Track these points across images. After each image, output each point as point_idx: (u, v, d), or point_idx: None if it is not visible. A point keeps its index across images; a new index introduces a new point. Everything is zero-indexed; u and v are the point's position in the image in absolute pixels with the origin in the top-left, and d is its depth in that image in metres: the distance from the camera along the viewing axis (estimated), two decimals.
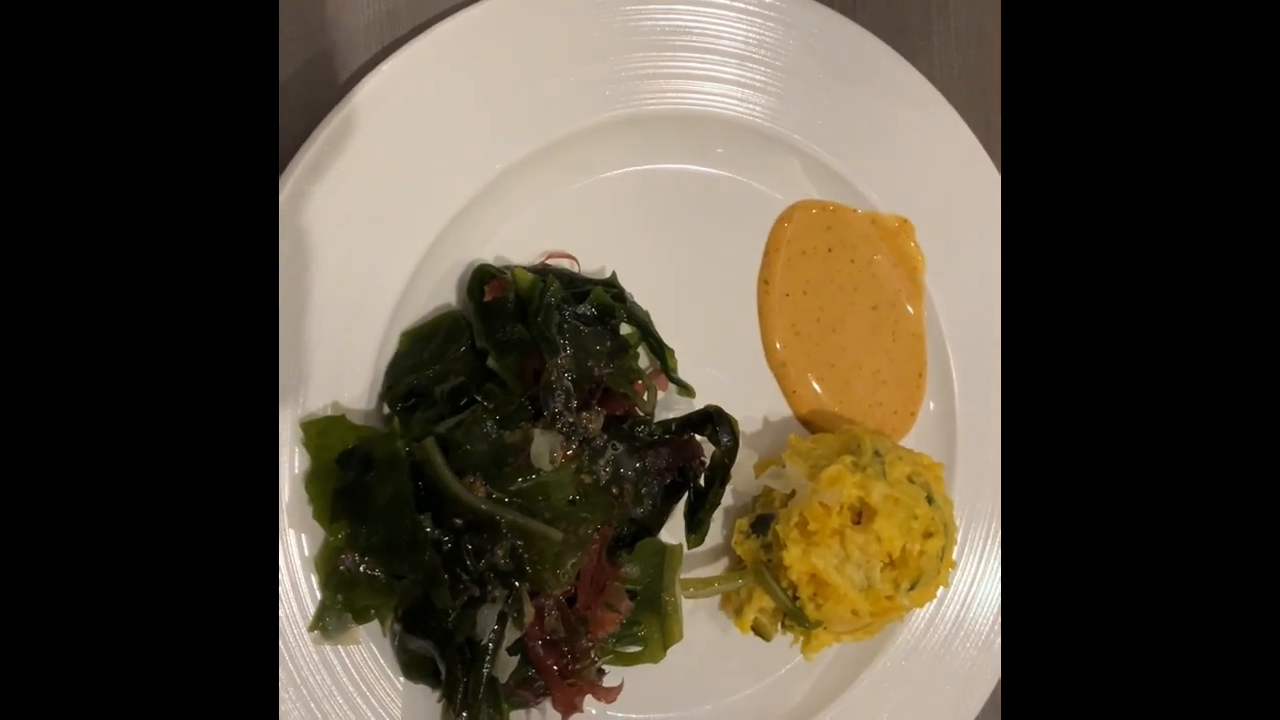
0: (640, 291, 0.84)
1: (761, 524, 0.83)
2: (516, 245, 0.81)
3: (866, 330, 0.91)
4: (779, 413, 0.90)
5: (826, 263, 0.90)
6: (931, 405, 0.93)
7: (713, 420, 0.79)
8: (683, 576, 0.79)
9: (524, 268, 0.79)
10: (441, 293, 0.79)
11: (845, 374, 0.90)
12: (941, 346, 0.92)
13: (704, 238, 0.87)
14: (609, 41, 0.81)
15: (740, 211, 0.88)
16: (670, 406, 0.85)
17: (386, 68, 0.74)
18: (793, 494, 0.81)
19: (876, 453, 0.81)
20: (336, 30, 0.78)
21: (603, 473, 0.75)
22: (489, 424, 0.71)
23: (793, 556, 0.79)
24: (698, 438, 0.80)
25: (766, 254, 0.89)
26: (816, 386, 0.90)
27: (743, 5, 0.84)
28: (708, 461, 0.81)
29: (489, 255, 0.80)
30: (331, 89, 0.79)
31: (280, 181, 0.72)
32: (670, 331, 0.85)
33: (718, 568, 0.88)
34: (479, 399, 0.73)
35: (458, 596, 0.70)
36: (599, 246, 0.84)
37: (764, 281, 0.89)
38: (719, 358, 0.87)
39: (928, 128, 0.90)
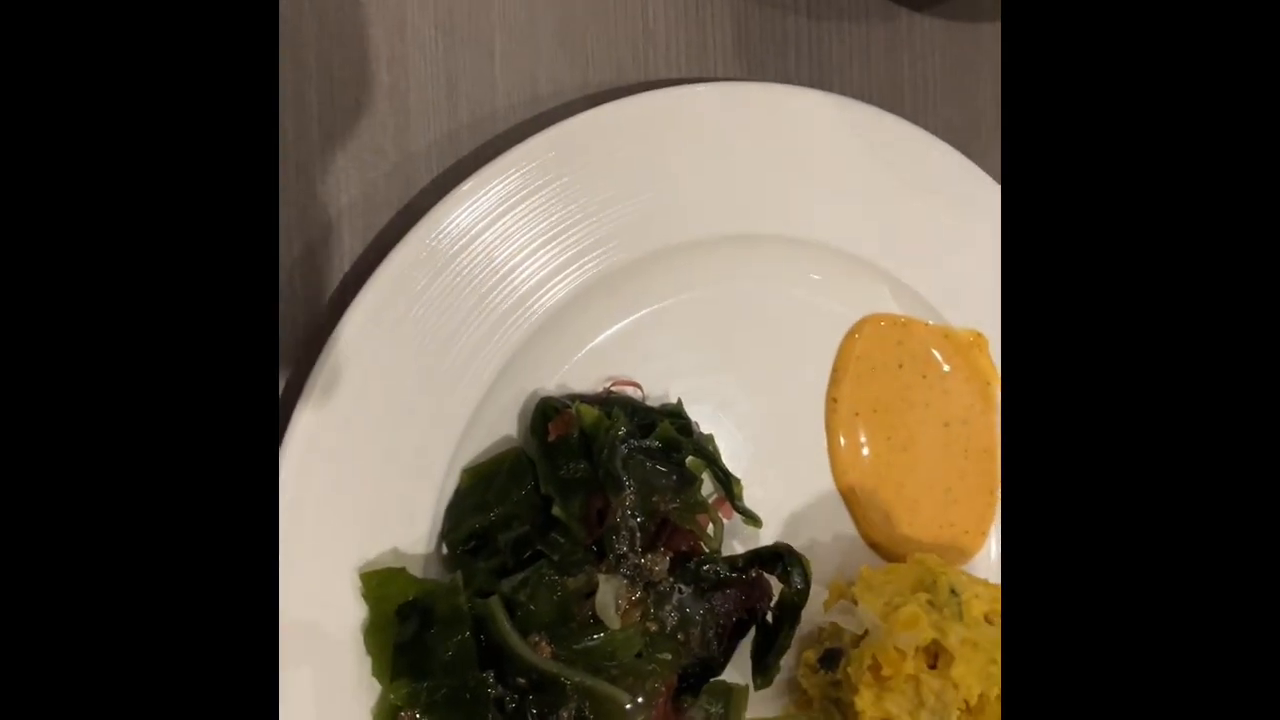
0: (704, 415, 0.81)
1: (830, 659, 0.80)
2: (580, 374, 0.79)
3: (938, 448, 0.88)
4: (846, 533, 0.87)
5: (897, 379, 0.87)
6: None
7: (784, 560, 0.76)
8: (748, 718, 0.76)
9: (587, 399, 0.77)
10: (503, 424, 0.77)
11: (916, 494, 0.87)
12: None
13: (770, 356, 0.85)
14: (679, 164, 0.78)
15: (807, 327, 0.86)
16: (734, 533, 0.82)
17: (448, 200, 0.72)
18: (865, 634, 0.78)
19: (953, 590, 0.78)
20: (397, 153, 0.76)
21: (669, 619, 0.72)
22: (554, 580, 0.68)
23: (865, 701, 0.76)
24: (766, 576, 0.77)
25: (835, 371, 0.86)
26: (886, 508, 0.87)
27: (807, 119, 0.81)
28: (775, 598, 0.78)
29: (552, 384, 0.78)
30: (391, 211, 0.76)
31: (343, 320, 0.69)
32: (735, 453, 0.82)
33: (780, 699, 0.84)
34: (544, 551, 0.70)
35: None
36: (663, 371, 0.81)
37: (832, 399, 0.86)
38: (785, 480, 0.85)
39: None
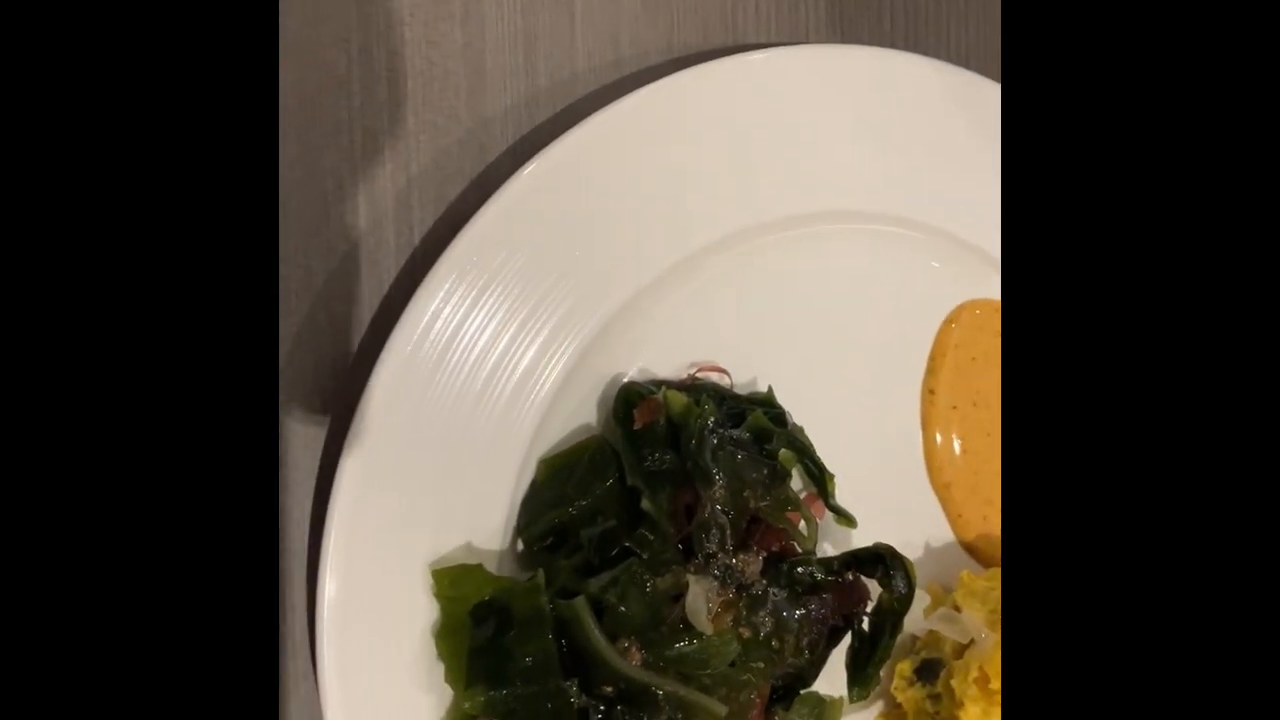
0: (794, 404, 0.75)
1: (928, 670, 0.74)
2: (662, 359, 0.73)
3: None
4: (942, 535, 0.81)
5: (997, 369, 0.81)
6: None
7: (885, 562, 0.70)
8: None
9: (674, 385, 0.71)
10: (582, 413, 0.71)
11: None
12: None
13: (864, 344, 0.79)
14: (768, 135, 0.73)
15: (905, 312, 0.80)
16: (824, 533, 0.76)
17: (527, 172, 0.66)
18: (970, 643, 0.72)
19: None
20: (471, 118, 0.70)
21: (763, 625, 0.67)
22: (645, 580, 0.63)
23: (972, 716, 0.70)
24: (864, 579, 0.71)
25: (932, 360, 0.80)
26: (984, 509, 0.80)
27: (905, 87, 0.75)
28: (873, 603, 0.72)
29: (633, 369, 0.72)
30: (464, 180, 0.71)
31: (413, 298, 0.64)
32: (825, 446, 0.76)
33: (868, 712, 0.78)
34: (633, 549, 0.64)
35: None
36: (750, 357, 0.75)
37: (929, 391, 0.80)
38: (878, 476, 0.79)
39: None
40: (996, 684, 0.69)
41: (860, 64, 0.75)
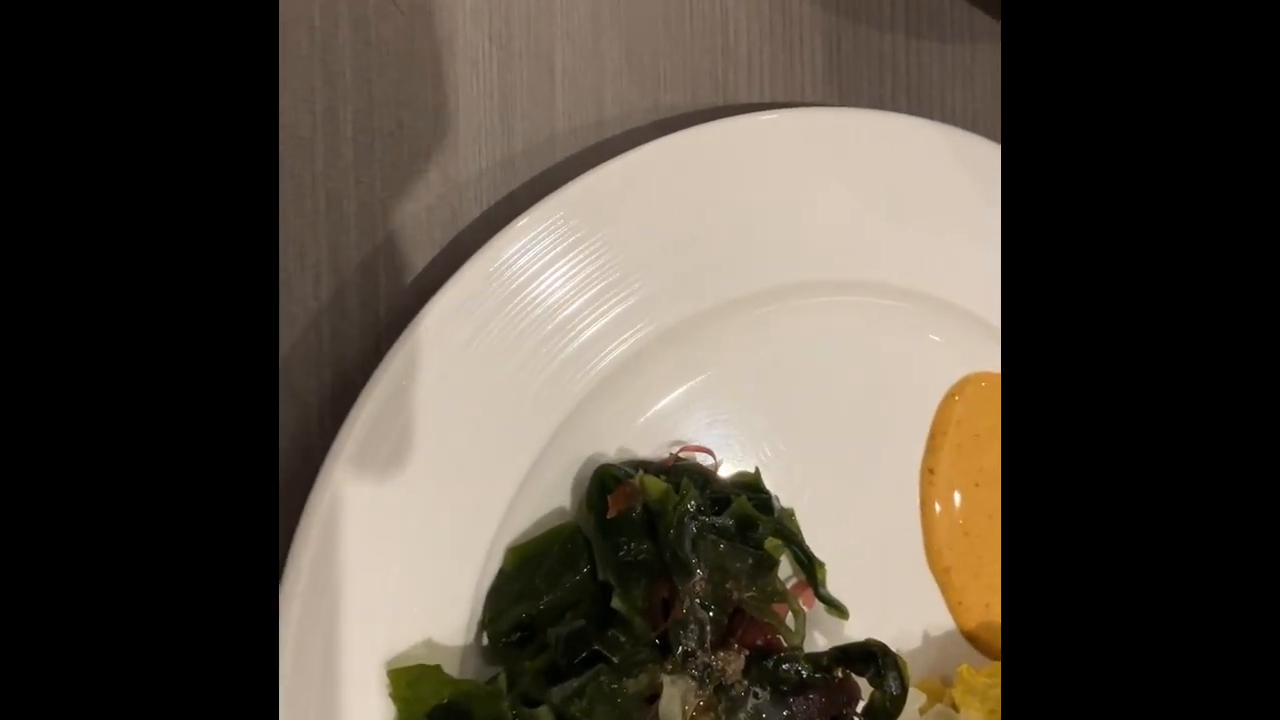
0: (783, 483, 0.71)
1: None
2: (643, 438, 0.69)
3: None
4: (941, 623, 0.76)
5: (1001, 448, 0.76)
6: None
7: (877, 661, 0.66)
8: None
9: (652, 468, 0.67)
10: (555, 496, 0.67)
11: None
12: None
13: (859, 420, 0.74)
14: (759, 201, 0.69)
15: (902, 388, 0.75)
16: (814, 623, 0.72)
17: (498, 240, 0.62)
18: None
19: None
20: (443, 182, 0.66)
21: None
22: (613, 688, 0.58)
23: None
24: (854, 677, 0.66)
25: (932, 438, 0.76)
26: (987, 597, 0.76)
27: (906, 151, 0.71)
28: (864, 702, 0.67)
29: (611, 451, 0.68)
30: (434, 248, 0.67)
31: (374, 377, 0.60)
32: (816, 531, 0.71)
33: None
34: (601, 652, 0.60)
35: None
36: (737, 436, 0.71)
37: (928, 470, 0.76)
38: (873, 561, 0.74)
39: None
40: None
41: (859, 127, 0.71)
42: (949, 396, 0.76)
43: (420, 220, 0.66)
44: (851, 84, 0.76)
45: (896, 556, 0.75)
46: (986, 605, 0.76)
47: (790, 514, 0.71)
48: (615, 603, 0.61)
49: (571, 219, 0.64)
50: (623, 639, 0.61)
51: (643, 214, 0.66)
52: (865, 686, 0.67)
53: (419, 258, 0.66)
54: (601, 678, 0.59)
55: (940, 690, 0.72)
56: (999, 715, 0.67)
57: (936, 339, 0.75)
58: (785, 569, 0.71)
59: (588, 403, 0.66)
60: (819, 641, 0.72)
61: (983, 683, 0.70)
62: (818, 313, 0.72)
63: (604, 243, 0.65)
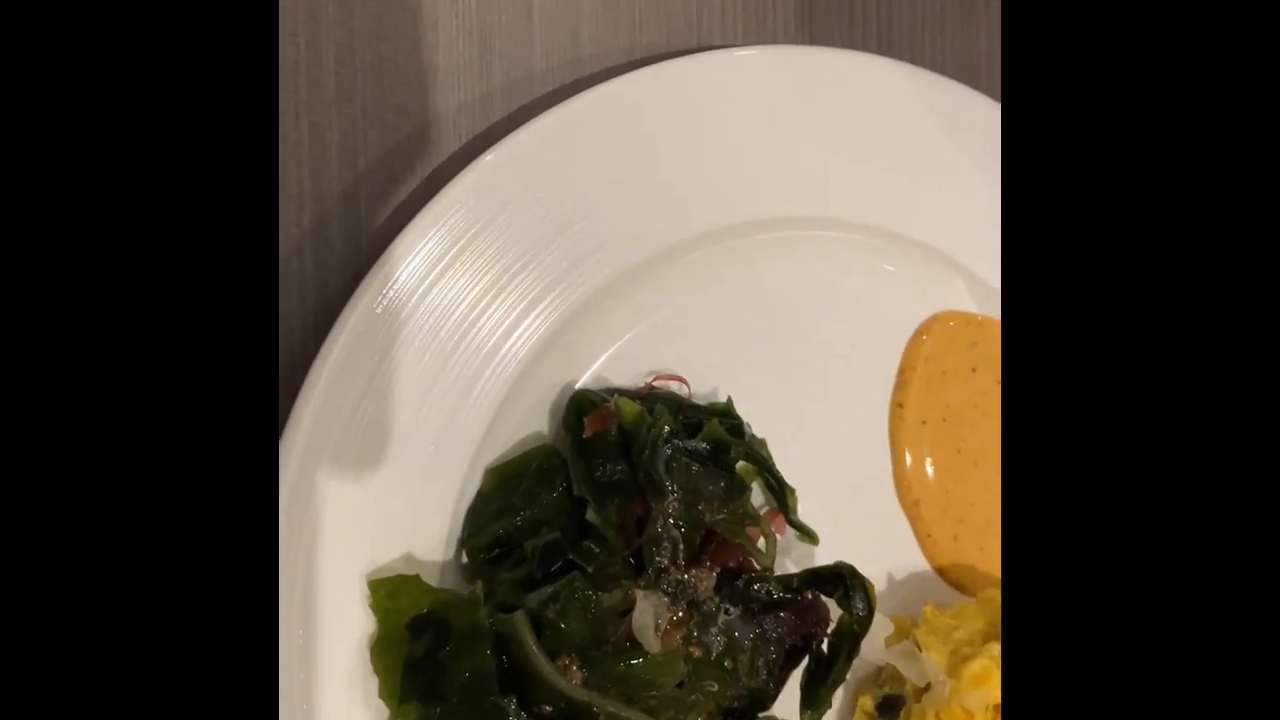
0: (756, 416, 0.73)
1: (889, 707, 0.71)
2: (619, 366, 0.70)
3: None
4: (909, 559, 0.78)
5: (969, 384, 0.79)
6: None
7: (845, 582, 0.67)
8: None
9: (627, 394, 0.68)
10: (533, 420, 0.68)
11: (988, 514, 0.78)
12: None
13: (831, 355, 0.76)
14: (731, 136, 0.70)
15: (873, 324, 0.77)
16: (786, 550, 0.74)
17: (475, 169, 0.64)
18: (928, 686, 0.69)
19: None
20: (422, 116, 0.68)
21: (715, 644, 0.64)
22: (588, 595, 0.60)
23: None
24: (824, 599, 0.68)
25: (902, 373, 0.78)
26: (955, 529, 0.78)
27: (874, 91, 0.73)
28: (833, 625, 0.69)
29: (587, 377, 0.70)
30: (414, 179, 0.69)
31: (354, 298, 0.62)
32: (789, 461, 0.73)
33: None
34: (576, 562, 0.61)
35: None
36: (711, 366, 0.73)
37: (898, 405, 0.78)
38: (843, 493, 0.76)
39: None
40: None
41: (828, 66, 0.73)
42: (918, 334, 0.78)
43: (400, 152, 0.68)
44: (823, 30, 0.78)
45: (867, 490, 0.77)
46: (954, 538, 0.78)
47: (763, 443, 0.73)
48: (590, 515, 0.63)
49: (548, 148, 0.66)
50: (597, 550, 0.63)
51: (619, 145, 0.67)
52: (836, 611, 0.69)
53: (399, 188, 0.68)
54: (576, 584, 0.60)
55: (908, 627, 0.74)
56: (959, 658, 0.69)
57: (907, 276, 0.77)
58: (759, 498, 0.73)
59: (564, 330, 0.67)
60: (790, 569, 0.73)
61: (946, 624, 0.72)
62: (790, 248, 0.74)
63: (577, 172, 0.66)
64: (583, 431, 0.66)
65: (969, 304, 0.78)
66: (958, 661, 0.67)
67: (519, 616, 0.59)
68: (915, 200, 0.76)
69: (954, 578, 0.78)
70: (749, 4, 0.76)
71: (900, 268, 0.76)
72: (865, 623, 0.68)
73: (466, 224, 0.64)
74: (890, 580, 0.77)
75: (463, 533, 0.65)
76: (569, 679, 0.59)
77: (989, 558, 0.78)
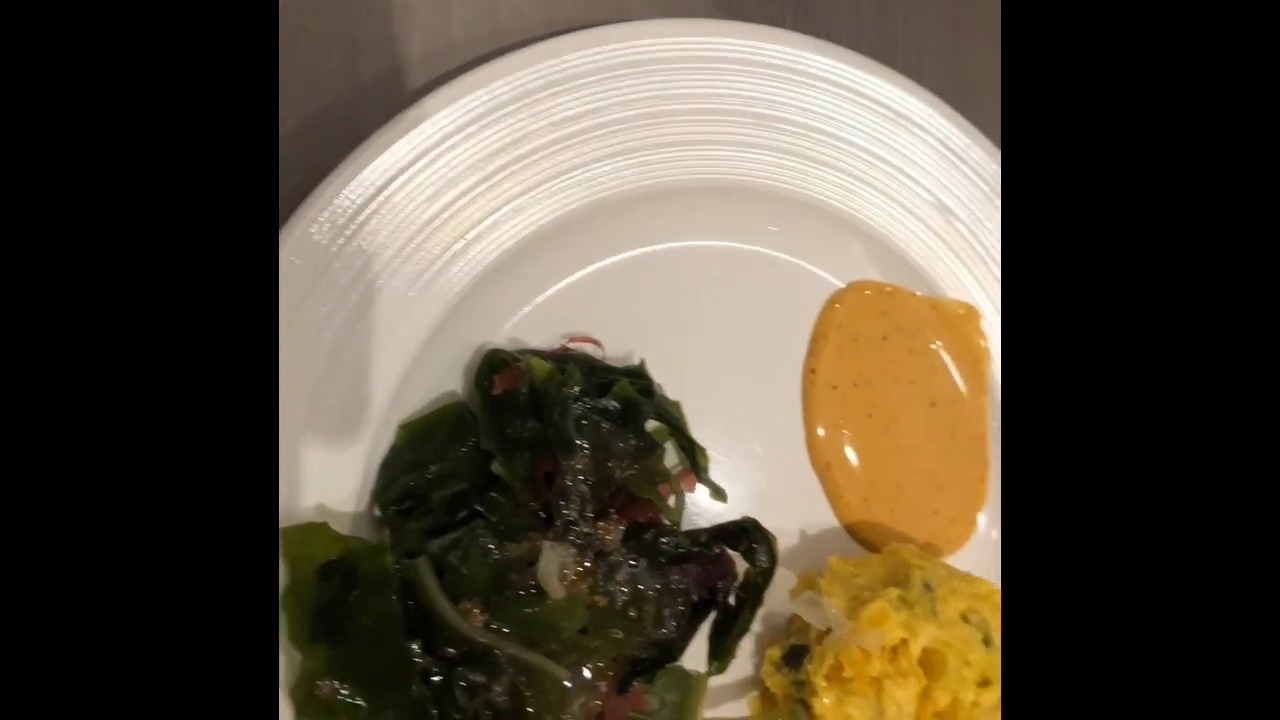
0: (671, 380, 0.75)
1: (795, 656, 0.73)
2: (534, 327, 0.73)
3: (923, 429, 0.81)
4: (821, 520, 0.80)
5: (880, 352, 0.81)
6: (994, 514, 0.83)
7: (749, 535, 0.70)
8: (707, 714, 0.70)
9: (541, 354, 0.70)
10: (448, 379, 0.70)
11: (898, 478, 0.81)
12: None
13: (745, 321, 0.78)
14: (649, 106, 0.72)
15: (787, 292, 0.80)
16: (700, 509, 0.76)
17: (391, 128, 0.66)
18: (829, 631, 0.71)
19: (927, 586, 0.71)
20: (343, 85, 0.70)
21: (619, 593, 0.66)
22: (490, 542, 0.62)
23: (824, 706, 0.69)
24: (730, 553, 0.71)
25: (814, 340, 0.80)
26: (865, 491, 0.80)
27: (791, 65, 0.75)
28: (740, 579, 0.71)
29: (502, 338, 0.72)
30: (333, 145, 0.70)
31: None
32: (703, 425, 0.76)
33: (745, 700, 0.77)
34: (480, 510, 0.64)
35: None
36: (626, 329, 0.75)
37: (810, 371, 0.80)
38: (756, 456, 0.78)
39: (997, 203, 0.81)
40: (850, 673, 0.68)
41: (745, 39, 0.75)
42: (831, 302, 0.80)
43: (320, 119, 0.70)
44: (741, 5, 0.80)
45: (780, 452, 0.79)
46: (865, 500, 0.80)
47: (676, 405, 0.75)
48: (495, 467, 0.65)
49: (463, 113, 0.68)
50: (502, 501, 0.65)
51: (533, 110, 0.69)
52: (743, 567, 0.72)
53: (318, 156, 0.69)
54: (478, 530, 0.62)
55: (813, 579, 0.76)
56: (859, 603, 0.71)
57: (821, 246, 0.79)
58: (673, 459, 0.75)
59: (479, 291, 0.69)
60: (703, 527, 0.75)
61: (848, 572, 0.74)
62: (707, 214, 0.76)
63: (495, 137, 0.69)
64: (493, 389, 0.68)
65: (879, 274, 0.80)
66: (857, 606, 0.69)
67: (422, 562, 0.61)
68: (833, 174, 0.78)
69: (864, 536, 0.80)
70: None
71: (816, 237, 0.79)
72: (768, 574, 0.70)
73: (383, 181, 0.66)
74: (803, 537, 0.80)
75: (376, 486, 0.67)
76: (471, 622, 0.61)
77: (899, 518, 0.80)
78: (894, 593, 0.68)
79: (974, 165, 0.79)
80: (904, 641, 0.67)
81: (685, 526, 0.73)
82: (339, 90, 0.70)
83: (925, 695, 0.68)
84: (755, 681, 0.77)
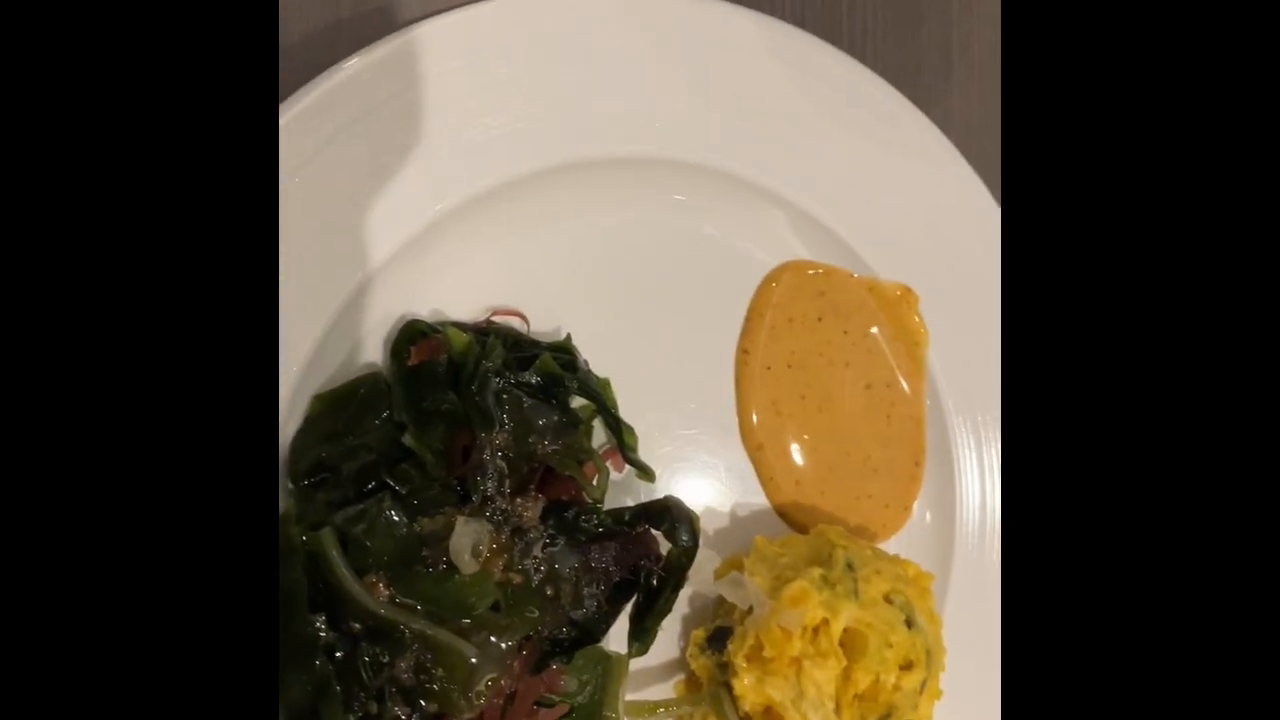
0: (599, 357, 0.74)
1: (719, 638, 0.72)
2: (457, 299, 0.71)
3: (858, 411, 0.80)
4: (753, 502, 0.79)
5: (815, 333, 0.80)
6: (927, 499, 0.82)
7: (671, 514, 0.69)
8: (629, 697, 0.68)
9: (461, 326, 0.69)
10: (367, 350, 0.69)
11: (831, 460, 0.80)
12: (943, 433, 0.81)
13: (677, 299, 0.77)
14: (573, 74, 0.71)
15: (721, 271, 0.78)
16: (629, 490, 0.75)
17: (317, 83, 0.64)
18: (751, 610, 0.70)
19: (849, 565, 0.70)
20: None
21: (534, 571, 0.65)
22: (397, 514, 0.61)
23: (744, 686, 0.68)
24: (653, 532, 0.69)
25: (749, 320, 0.79)
26: (797, 473, 0.79)
27: (721, 35, 0.74)
28: (664, 560, 0.70)
29: (424, 309, 0.70)
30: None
31: None
32: (632, 404, 0.74)
33: (672, 683, 0.76)
34: (389, 482, 0.62)
35: (351, 712, 0.60)
36: (554, 304, 0.74)
37: (743, 351, 0.79)
38: (687, 436, 0.77)
39: (939, 185, 0.80)
40: (770, 653, 0.67)
41: (674, 10, 0.73)
42: (767, 281, 0.79)
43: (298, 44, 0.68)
44: None
45: (712, 432, 0.78)
46: (796, 482, 0.79)
47: (606, 383, 0.74)
48: (407, 439, 0.64)
49: (386, 77, 0.66)
50: (414, 474, 0.63)
51: (462, 74, 0.68)
52: (666, 547, 0.70)
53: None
54: (385, 502, 0.61)
55: (740, 561, 0.75)
56: (782, 582, 0.70)
57: (755, 224, 0.78)
58: (601, 437, 0.74)
59: (398, 260, 0.68)
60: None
61: (773, 552, 0.73)
62: (642, 188, 0.75)
63: (421, 99, 0.67)
64: (409, 359, 0.66)
65: (815, 254, 0.79)
66: (779, 585, 0.68)
67: (325, 533, 0.60)
68: (768, 150, 0.77)
69: (795, 518, 0.79)
70: None
71: (750, 215, 0.77)
72: (690, 553, 0.69)
73: (310, 147, 0.65)
74: (734, 519, 0.79)
75: (289, 457, 0.66)
76: (376, 596, 0.60)
77: (830, 500, 0.79)
78: (816, 572, 0.67)
79: (918, 153, 0.78)
80: (825, 621, 0.66)
81: (614, 503, 0.72)
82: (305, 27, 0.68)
83: (846, 676, 0.67)
84: (682, 665, 0.76)
